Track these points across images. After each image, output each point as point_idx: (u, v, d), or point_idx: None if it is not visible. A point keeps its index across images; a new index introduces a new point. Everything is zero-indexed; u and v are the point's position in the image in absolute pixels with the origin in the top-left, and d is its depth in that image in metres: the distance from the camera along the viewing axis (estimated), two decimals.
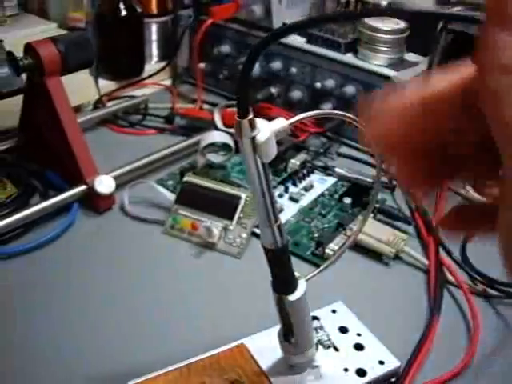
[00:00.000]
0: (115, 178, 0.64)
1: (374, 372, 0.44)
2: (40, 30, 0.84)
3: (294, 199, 0.66)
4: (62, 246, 0.60)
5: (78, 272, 0.57)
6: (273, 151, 0.30)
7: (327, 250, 0.58)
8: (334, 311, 0.49)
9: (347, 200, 0.66)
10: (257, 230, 0.60)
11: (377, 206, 0.63)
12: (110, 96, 0.89)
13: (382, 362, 0.45)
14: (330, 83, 0.78)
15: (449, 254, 0.58)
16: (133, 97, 0.89)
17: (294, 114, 0.80)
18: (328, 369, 0.44)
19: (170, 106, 0.88)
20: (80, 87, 0.79)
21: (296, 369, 0.43)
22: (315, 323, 0.46)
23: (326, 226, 0.63)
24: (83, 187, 0.63)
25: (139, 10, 0.89)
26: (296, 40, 0.81)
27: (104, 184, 0.63)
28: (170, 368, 0.43)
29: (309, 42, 0.80)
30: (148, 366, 0.44)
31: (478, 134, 0.23)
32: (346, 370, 0.44)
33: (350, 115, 0.31)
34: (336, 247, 0.59)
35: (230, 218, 0.60)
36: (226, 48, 0.88)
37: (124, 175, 0.67)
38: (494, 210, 0.21)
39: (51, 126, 0.64)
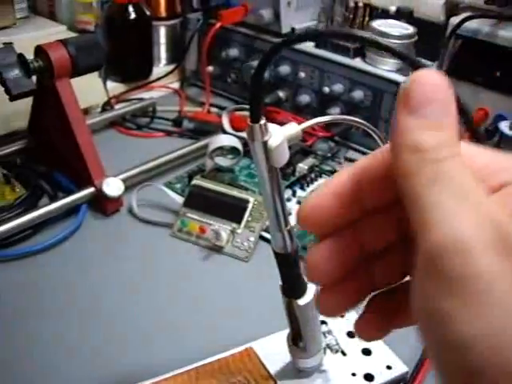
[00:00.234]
0: (123, 180, 0.65)
1: (382, 377, 0.44)
2: (49, 32, 0.85)
3: (301, 203, 0.66)
4: (70, 248, 0.60)
5: (86, 274, 0.57)
6: (285, 156, 0.30)
7: None
8: (341, 315, 0.49)
9: None
10: (265, 234, 0.60)
11: None
12: (119, 98, 0.89)
13: (389, 367, 0.45)
14: (339, 88, 0.78)
15: None
16: (141, 99, 0.89)
17: (301, 119, 0.80)
18: (336, 373, 0.44)
19: (177, 108, 0.88)
20: (89, 89, 0.79)
21: (304, 373, 0.43)
22: (323, 327, 0.46)
23: None
24: (92, 189, 0.63)
25: (148, 13, 0.90)
26: (304, 44, 0.81)
27: (112, 186, 0.63)
28: (178, 371, 0.43)
29: (317, 46, 0.80)
30: (156, 369, 0.44)
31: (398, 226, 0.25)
32: (353, 374, 0.44)
33: (363, 121, 0.31)
34: None
35: (238, 222, 0.60)
36: (234, 52, 0.88)
37: (132, 178, 0.67)
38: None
39: (60, 128, 0.64)
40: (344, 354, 0.46)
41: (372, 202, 0.25)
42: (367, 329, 0.28)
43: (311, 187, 0.69)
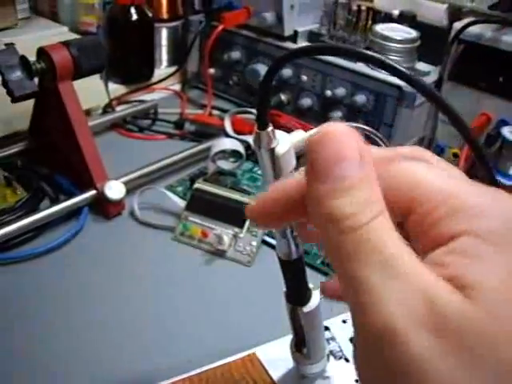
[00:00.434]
0: (125, 183, 0.64)
1: None
2: (51, 33, 0.85)
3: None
4: (72, 251, 0.59)
5: (87, 277, 0.56)
6: (292, 163, 0.30)
7: None
8: (344, 321, 0.49)
9: None
10: (267, 238, 0.60)
11: None
12: (120, 100, 0.89)
13: None
14: (341, 91, 0.77)
15: None
16: (142, 101, 0.89)
17: (303, 122, 0.80)
18: (339, 380, 0.44)
19: (179, 111, 0.88)
20: (90, 91, 0.79)
21: (307, 379, 0.43)
22: (327, 334, 0.46)
23: None
24: (93, 192, 0.63)
25: (150, 14, 0.90)
26: None
27: (114, 189, 0.63)
28: (180, 377, 0.43)
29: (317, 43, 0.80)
30: (157, 374, 0.44)
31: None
32: (356, 381, 0.44)
33: (371, 129, 0.31)
34: None
35: (241, 226, 0.60)
36: (236, 54, 0.88)
37: (134, 181, 0.67)
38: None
39: (62, 130, 0.64)
40: (347, 360, 0.46)
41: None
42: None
43: None
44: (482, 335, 0.17)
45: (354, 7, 0.81)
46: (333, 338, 0.47)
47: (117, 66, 0.90)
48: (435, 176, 0.21)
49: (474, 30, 0.71)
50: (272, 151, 0.29)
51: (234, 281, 0.57)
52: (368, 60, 0.23)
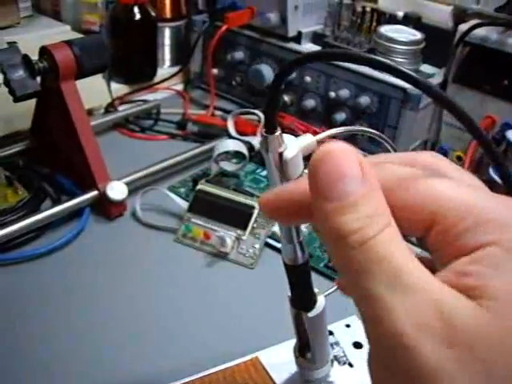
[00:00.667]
0: (127, 183, 0.64)
1: None
2: (54, 32, 0.84)
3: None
4: (73, 252, 0.59)
5: (88, 278, 0.56)
6: (299, 168, 0.30)
7: None
8: (348, 326, 0.49)
9: None
10: (270, 241, 0.60)
11: None
12: (122, 100, 0.89)
13: None
14: (345, 93, 0.77)
15: None
16: (144, 101, 0.88)
17: (306, 124, 0.80)
18: None
19: (181, 111, 0.87)
20: (92, 90, 0.79)
21: None
22: (331, 338, 0.46)
23: None
24: (95, 193, 0.63)
25: (153, 14, 0.89)
26: (311, 49, 0.81)
27: (116, 190, 0.62)
28: (182, 381, 0.43)
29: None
30: (160, 378, 0.44)
31: None
32: None
33: (380, 134, 0.31)
34: None
35: (244, 228, 0.59)
36: (239, 54, 0.88)
37: (136, 181, 0.66)
38: None
39: (64, 130, 0.63)
40: (351, 365, 0.45)
41: None
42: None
43: None
44: (495, 348, 0.17)
45: (359, 8, 0.80)
46: (337, 343, 0.46)
47: (119, 66, 0.90)
48: (458, 190, 0.21)
49: (480, 32, 0.70)
50: (280, 155, 0.29)
51: (236, 283, 0.57)
52: (386, 70, 0.23)
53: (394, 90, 0.73)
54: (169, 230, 0.62)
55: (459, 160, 0.76)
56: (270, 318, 0.51)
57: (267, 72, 0.84)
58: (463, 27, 0.71)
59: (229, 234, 0.59)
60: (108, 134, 0.81)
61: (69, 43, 0.61)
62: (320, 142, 0.31)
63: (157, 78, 0.94)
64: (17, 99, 0.59)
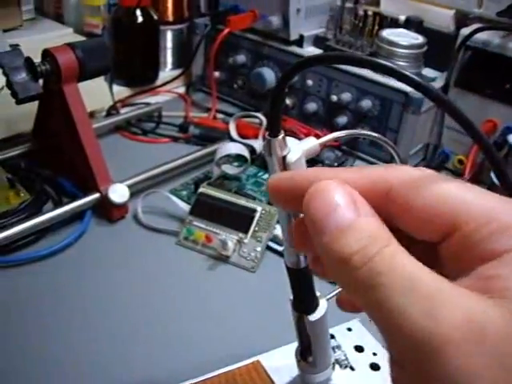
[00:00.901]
0: (129, 186, 0.64)
1: None
2: (56, 35, 0.84)
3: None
4: (75, 254, 0.59)
5: (89, 280, 0.56)
6: None
7: None
8: (349, 329, 0.49)
9: None
10: (272, 244, 0.60)
11: None
12: (124, 103, 0.89)
13: None
14: (346, 96, 0.77)
15: None
16: (146, 104, 0.89)
17: (308, 127, 0.80)
18: None
19: (183, 114, 0.87)
20: (94, 93, 0.79)
21: None
22: (332, 342, 0.46)
23: None
24: (97, 195, 0.63)
25: (155, 17, 0.89)
26: (313, 52, 0.81)
27: (118, 193, 0.62)
28: None
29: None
30: (161, 381, 0.43)
31: None
32: None
33: (382, 137, 0.31)
34: None
35: (245, 231, 0.59)
36: (241, 58, 0.88)
37: (138, 184, 0.66)
38: None
39: (66, 132, 0.63)
40: (352, 369, 0.45)
41: None
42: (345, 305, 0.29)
43: None
44: None
45: (361, 12, 0.80)
46: (338, 347, 0.46)
47: (121, 69, 0.90)
48: (475, 194, 0.21)
49: (482, 36, 0.70)
50: (283, 159, 0.29)
51: (238, 286, 0.57)
52: (388, 73, 0.23)
53: (395, 94, 0.73)
54: (170, 233, 0.62)
55: (461, 164, 0.76)
56: (272, 321, 0.51)
57: (269, 75, 0.84)
58: (465, 31, 0.72)
59: (230, 237, 0.59)
60: (110, 137, 0.81)
61: (71, 46, 0.61)
62: (323, 145, 0.31)
63: (159, 81, 0.94)
64: (19, 101, 0.59)
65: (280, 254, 0.59)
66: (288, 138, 0.29)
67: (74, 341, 0.49)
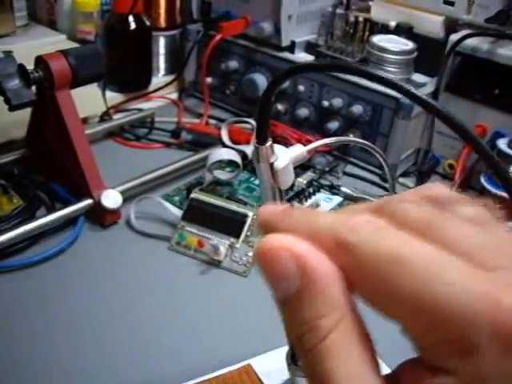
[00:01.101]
0: (121, 192, 0.64)
1: None
2: (49, 41, 0.85)
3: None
4: (68, 260, 0.59)
5: (82, 286, 0.56)
6: (290, 178, 0.30)
7: None
8: None
9: None
10: None
11: None
12: (117, 108, 0.89)
13: None
14: (338, 102, 0.78)
15: None
16: (139, 110, 0.89)
17: (299, 132, 0.80)
18: None
19: (176, 120, 0.88)
20: (87, 99, 0.79)
21: None
22: None
23: None
24: (89, 201, 0.63)
25: (148, 23, 0.90)
26: (304, 58, 0.82)
27: (111, 199, 0.63)
28: None
29: (317, 60, 0.80)
30: None
31: None
32: None
33: (370, 144, 0.31)
34: None
35: (237, 236, 0.60)
36: (233, 64, 0.88)
37: (130, 190, 0.67)
38: None
39: (59, 138, 0.64)
40: None
41: None
42: None
43: (309, 201, 0.69)
44: None
45: (352, 18, 0.81)
46: None
47: (114, 75, 0.90)
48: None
49: (471, 42, 0.71)
50: (271, 166, 0.30)
51: (229, 291, 0.57)
52: (376, 80, 0.23)
53: (386, 100, 0.74)
54: (163, 238, 0.63)
55: (451, 168, 0.77)
56: (263, 325, 0.52)
57: (261, 81, 0.85)
58: (454, 37, 0.72)
59: (222, 242, 0.59)
60: (103, 143, 0.82)
61: (64, 53, 0.61)
62: (310, 152, 0.32)
63: (151, 87, 0.94)
64: (12, 108, 0.59)
65: None
66: (276, 146, 0.30)
67: (68, 346, 0.50)
